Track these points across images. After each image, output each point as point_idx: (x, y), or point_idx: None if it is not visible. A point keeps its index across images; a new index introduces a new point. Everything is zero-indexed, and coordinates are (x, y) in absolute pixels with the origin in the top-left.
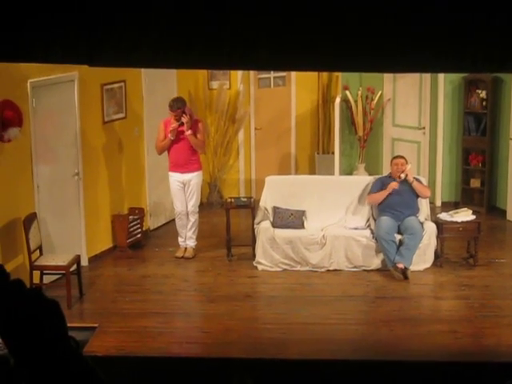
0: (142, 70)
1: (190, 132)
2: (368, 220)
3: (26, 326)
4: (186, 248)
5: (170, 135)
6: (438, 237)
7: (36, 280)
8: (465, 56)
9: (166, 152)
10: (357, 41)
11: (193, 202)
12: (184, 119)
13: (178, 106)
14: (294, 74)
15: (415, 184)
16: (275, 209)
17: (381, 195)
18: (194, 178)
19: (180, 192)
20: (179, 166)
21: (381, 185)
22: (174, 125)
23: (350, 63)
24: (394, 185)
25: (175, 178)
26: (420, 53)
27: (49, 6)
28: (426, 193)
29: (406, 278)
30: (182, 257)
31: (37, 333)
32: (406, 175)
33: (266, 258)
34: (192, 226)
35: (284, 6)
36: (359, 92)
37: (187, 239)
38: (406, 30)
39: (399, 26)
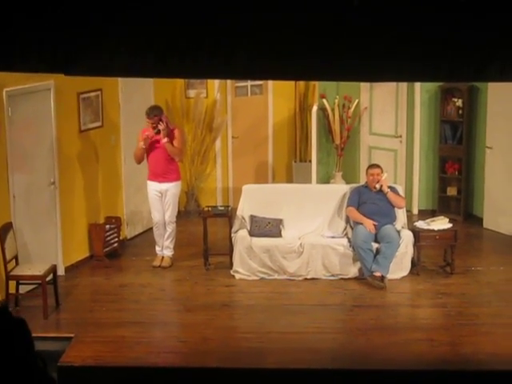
0: (119, 78)
1: (166, 140)
2: (345, 228)
3: None
4: (163, 257)
5: (142, 143)
6: (414, 245)
7: (12, 290)
8: (440, 65)
9: (146, 160)
10: (333, 50)
11: (169, 213)
12: (160, 126)
13: (154, 113)
14: (270, 82)
15: (390, 195)
16: (252, 217)
17: (359, 218)
18: (172, 189)
19: (157, 201)
20: (157, 176)
21: (358, 195)
22: (148, 133)
23: (325, 72)
24: (370, 225)
25: (153, 188)
26: (396, 62)
27: (24, 16)
28: (400, 203)
29: (383, 286)
30: (159, 266)
31: (3, 351)
32: (381, 186)
33: (244, 267)
34: (169, 236)
35: (262, 16)
36: (336, 100)
37: (164, 248)
38: (382, 40)
39: (375, 36)
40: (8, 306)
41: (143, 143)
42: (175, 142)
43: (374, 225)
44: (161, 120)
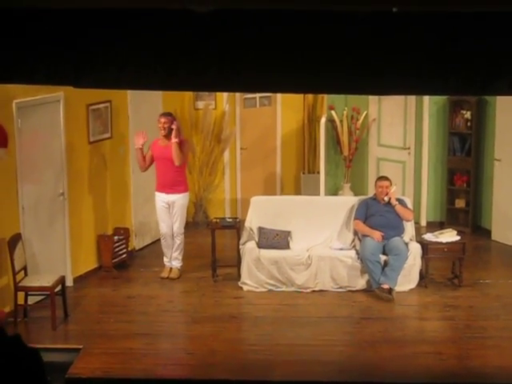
0: (128, 90)
1: (177, 140)
2: (353, 241)
3: (6, 373)
4: (171, 268)
5: (140, 144)
6: (422, 257)
7: (21, 301)
8: (449, 79)
9: (155, 171)
10: (342, 64)
11: (178, 224)
12: (174, 126)
13: (166, 114)
14: (279, 94)
15: (398, 208)
16: (260, 229)
17: (366, 231)
18: (180, 200)
19: (165, 213)
20: (165, 187)
21: (366, 208)
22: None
23: (334, 86)
24: (378, 237)
25: (160, 199)
26: (404, 76)
27: (34, 28)
28: (408, 216)
29: (391, 298)
30: (168, 277)
31: (17, 380)
32: (390, 198)
33: (252, 279)
34: (177, 248)
35: (270, 29)
36: (345, 112)
37: (172, 260)
38: (390, 54)
39: (384, 49)
40: (21, 336)
41: (140, 144)
42: (182, 149)
43: (382, 236)
44: (173, 123)
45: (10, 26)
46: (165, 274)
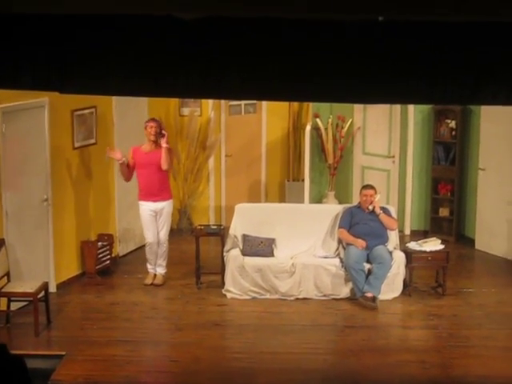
0: (113, 96)
1: (167, 145)
2: (337, 249)
3: None
4: (155, 275)
5: (120, 158)
6: (406, 266)
7: (3, 307)
8: (434, 88)
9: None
10: (326, 72)
11: (164, 231)
12: (164, 131)
13: (153, 120)
14: (264, 101)
15: (382, 216)
16: (245, 236)
17: (350, 239)
18: (167, 207)
19: (152, 222)
20: (152, 195)
21: (350, 216)
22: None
23: (318, 94)
24: (361, 244)
25: (147, 207)
26: (390, 85)
27: (20, 33)
28: (392, 225)
29: (374, 307)
30: (152, 284)
31: None
32: (374, 207)
33: (235, 286)
34: (162, 255)
35: (255, 37)
36: (330, 120)
37: (157, 266)
38: (376, 63)
39: (369, 58)
40: (6, 346)
41: (120, 157)
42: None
43: (366, 244)
44: (161, 128)
45: None
46: (148, 281)
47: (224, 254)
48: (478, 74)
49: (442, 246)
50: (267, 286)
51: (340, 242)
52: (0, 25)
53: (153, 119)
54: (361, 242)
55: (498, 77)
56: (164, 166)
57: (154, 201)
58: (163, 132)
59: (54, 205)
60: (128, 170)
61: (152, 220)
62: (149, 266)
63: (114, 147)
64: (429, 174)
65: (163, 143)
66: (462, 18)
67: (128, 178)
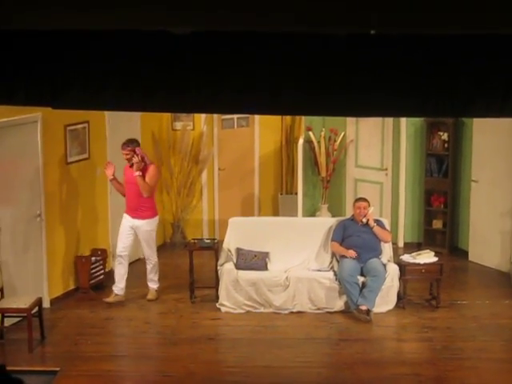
0: (106, 111)
1: (138, 173)
2: (331, 262)
3: None
4: (116, 294)
5: (111, 175)
6: (400, 278)
7: None
8: (426, 101)
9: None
10: (319, 86)
11: (145, 251)
12: (134, 159)
13: (128, 145)
14: (257, 115)
15: (376, 229)
16: (238, 250)
17: (343, 251)
18: (144, 226)
19: (127, 235)
20: (130, 210)
21: (343, 230)
22: (111, 174)
23: (311, 108)
24: (351, 254)
25: (126, 220)
26: (382, 98)
27: (12, 49)
28: (386, 238)
29: (369, 319)
30: (113, 302)
31: None
32: (368, 220)
33: (230, 300)
34: (152, 270)
35: (247, 52)
36: (322, 133)
37: (149, 281)
38: (368, 76)
39: (361, 72)
40: (5, 366)
41: (111, 174)
42: (147, 178)
43: (357, 255)
44: (135, 153)
45: None
46: (110, 299)
47: (218, 267)
48: (470, 86)
49: (435, 259)
50: (261, 300)
51: (334, 255)
52: None
53: (125, 143)
54: (351, 252)
55: (491, 89)
56: (144, 194)
57: (132, 217)
58: (133, 160)
59: (47, 220)
60: (120, 186)
61: (127, 233)
62: (115, 287)
63: (110, 163)
64: (422, 186)
65: (134, 172)
66: (454, 31)
67: (122, 194)
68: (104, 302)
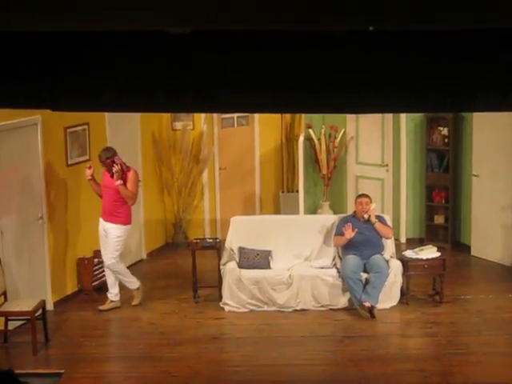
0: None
1: (119, 182)
2: (334, 259)
3: None
4: (112, 301)
5: (89, 175)
6: (403, 274)
7: (1, 326)
8: (426, 97)
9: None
10: (318, 83)
11: (106, 253)
12: (114, 169)
13: (106, 156)
14: (257, 113)
15: (377, 225)
16: (241, 249)
17: (343, 241)
18: (113, 230)
19: (104, 241)
20: (104, 214)
21: (345, 224)
22: (89, 174)
23: (310, 105)
24: (348, 234)
25: (100, 224)
26: (382, 94)
27: (11, 52)
28: (388, 234)
29: (372, 316)
30: (108, 309)
31: None
32: (369, 216)
33: (233, 299)
34: (116, 279)
35: (246, 50)
36: (322, 130)
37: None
38: (367, 73)
39: (361, 68)
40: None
41: (89, 175)
42: (128, 185)
43: (359, 252)
44: (114, 162)
45: None
46: (105, 307)
47: (221, 267)
48: (470, 80)
49: (438, 254)
50: (265, 299)
51: (337, 251)
52: None
53: (104, 155)
54: (349, 232)
55: (490, 83)
56: (129, 203)
57: (105, 220)
58: (113, 170)
59: (49, 222)
60: (98, 187)
61: (104, 239)
62: (108, 291)
63: (92, 166)
64: (423, 181)
65: (115, 181)
66: (453, 27)
67: (99, 195)
68: (98, 310)
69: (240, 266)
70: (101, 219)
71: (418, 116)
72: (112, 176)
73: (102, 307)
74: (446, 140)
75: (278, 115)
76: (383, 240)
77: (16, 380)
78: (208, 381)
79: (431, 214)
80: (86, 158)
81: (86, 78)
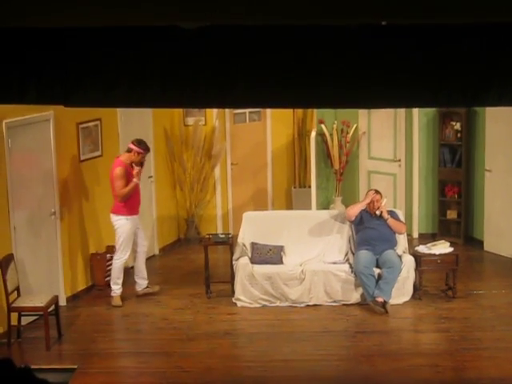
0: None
1: (138, 180)
2: (346, 254)
3: None
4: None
5: (135, 179)
6: (416, 270)
7: (14, 322)
8: (438, 91)
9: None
10: (331, 78)
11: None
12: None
13: (148, 147)
14: (269, 109)
15: (390, 221)
16: (253, 244)
17: (359, 205)
18: (112, 219)
19: (134, 235)
20: (137, 208)
21: (359, 217)
22: (138, 169)
23: (323, 100)
24: (371, 194)
25: (133, 220)
26: (394, 89)
27: (24, 48)
28: (401, 229)
29: (385, 311)
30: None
31: None
32: (382, 212)
33: (245, 295)
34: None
35: (258, 45)
36: (334, 125)
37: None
38: (380, 67)
39: (373, 63)
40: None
41: (137, 179)
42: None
43: (372, 247)
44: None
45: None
46: (117, 303)
47: (233, 262)
48: (483, 75)
49: (450, 249)
50: (277, 294)
51: (349, 247)
52: (4, 40)
53: (146, 148)
54: (369, 197)
55: (503, 77)
56: (118, 200)
57: (137, 214)
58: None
59: (61, 218)
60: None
61: (134, 234)
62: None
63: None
64: (435, 176)
65: (135, 178)
66: (465, 21)
67: (127, 199)
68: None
69: (252, 261)
70: (135, 216)
71: (430, 111)
72: (134, 168)
73: (140, 291)
74: (459, 135)
75: (290, 111)
76: (396, 235)
77: (33, 376)
78: (221, 376)
79: (444, 209)
80: (99, 153)
81: (98, 74)
